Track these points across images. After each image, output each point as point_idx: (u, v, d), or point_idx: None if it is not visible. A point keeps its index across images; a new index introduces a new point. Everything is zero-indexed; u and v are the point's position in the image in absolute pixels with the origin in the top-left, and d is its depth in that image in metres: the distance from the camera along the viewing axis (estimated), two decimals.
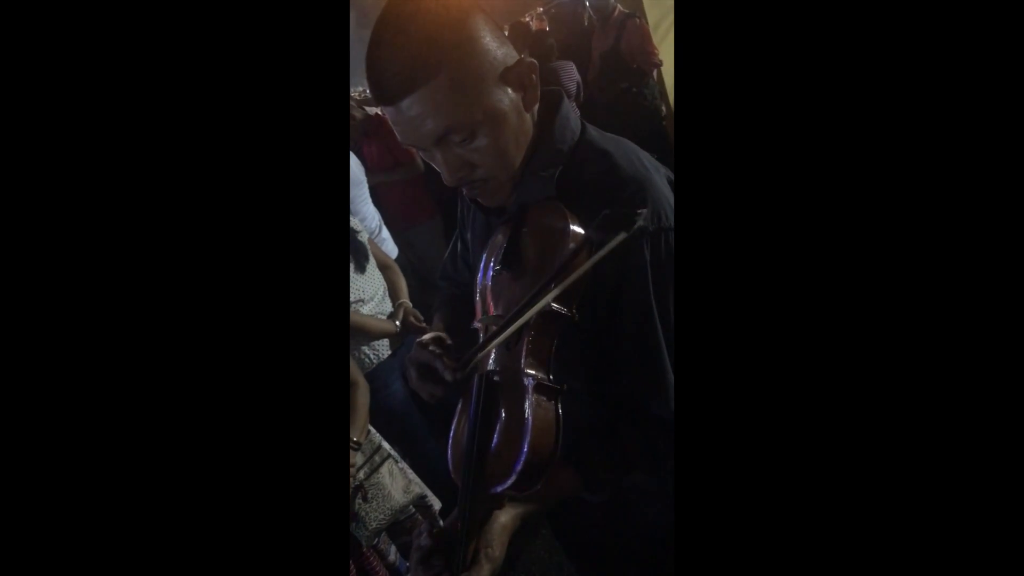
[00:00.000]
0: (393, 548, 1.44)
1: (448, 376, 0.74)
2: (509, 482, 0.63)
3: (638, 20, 3.39)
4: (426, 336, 0.85)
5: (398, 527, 1.45)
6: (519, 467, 0.63)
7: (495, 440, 0.67)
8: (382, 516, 1.36)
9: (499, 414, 0.68)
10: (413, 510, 1.44)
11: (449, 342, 0.84)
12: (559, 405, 0.66)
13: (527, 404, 0.65)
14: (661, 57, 3.40)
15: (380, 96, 0.65)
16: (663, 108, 3.63)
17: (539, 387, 0.66)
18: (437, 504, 1.55)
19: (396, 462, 1.48)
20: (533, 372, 0.67)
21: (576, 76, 3.37)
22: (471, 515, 0.65)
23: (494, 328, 0.70)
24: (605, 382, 0.75)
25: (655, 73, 3.51)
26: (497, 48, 0.65)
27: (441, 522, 1.47)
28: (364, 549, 1.36)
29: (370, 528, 1.35)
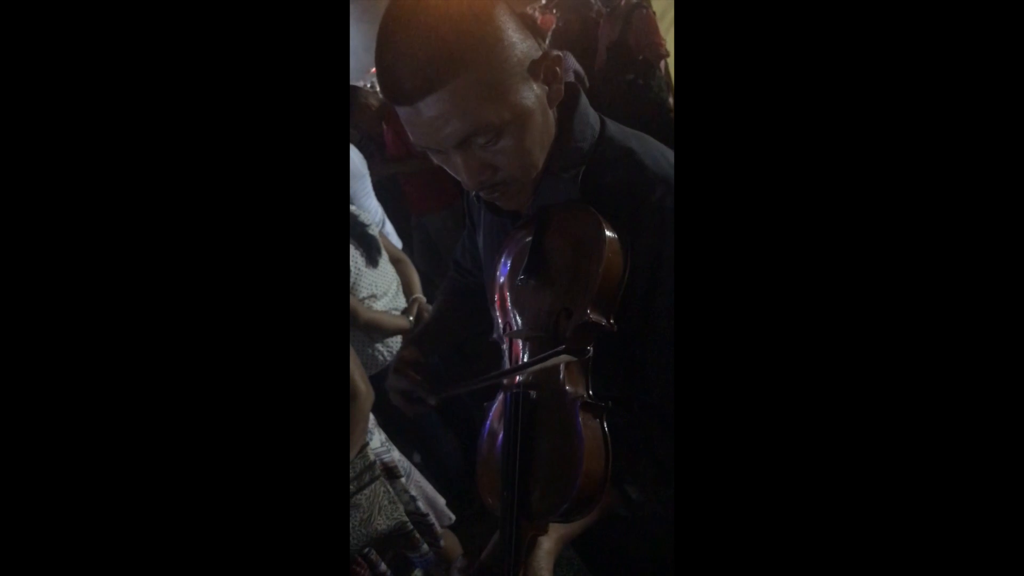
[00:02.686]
0: (383, 564, 1.39)
1: (432, 401, 0.75)
2: (562, 510, 0.60)
3: (645, 10, 3.35)
4: (398, 360, 0.86)
5: (392, 542, 1.40)
6: (574, 494, 0.59)
7: (539, 465, 0.63)
8: (353, 540, 1.28)
9: (540, 437, 0.64)
10: (411, 527, 1.39)
11: (422, 360, 0.85)
12: (605, 424, 0.63)
13: (576, 427, 0.61)
14: (668, 48, 3.37)
15: (395, 96, 0.60)
16: (670, 100, 3.60)
17: (585, 406, 0.62)
18: (447, 519, 1.50)
19: (394, 480, 1.41)
20: (574, 389, 0.64)
21: (574, 66, 3.33)
22: (516, 544, 0.62)
23: (519, 343, 0.68)
24: (639, 390, 0.73)
25: (662, 65, 3.47)
26: (522, 40, 0.61)
27: (442, 541, 1.45)
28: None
29: None
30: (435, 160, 0.68)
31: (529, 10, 3.89)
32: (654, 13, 3.41)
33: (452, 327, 1.02)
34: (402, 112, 0.62)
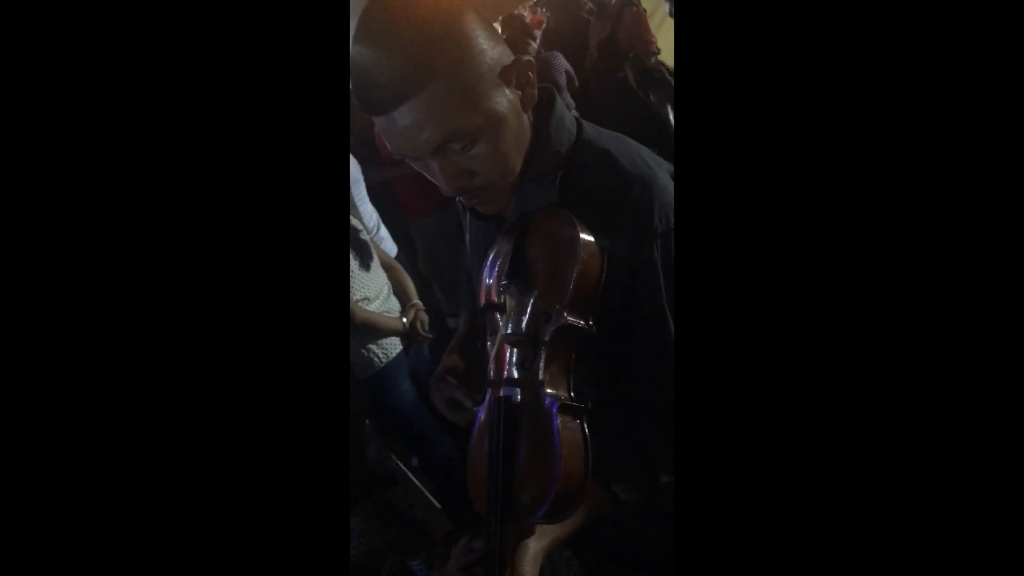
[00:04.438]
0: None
1: (469, 405, 0.76)
2: (541, 512, 0.61)
3: (635, 8, 3.35)
4: (440, 369, 0.85)
5: (392, 549, 1.41)
6: (551, 496, 0.60)
7: (521, 467, 0.64)
8: (352, 548, 1.28)
9: (522, 439, 0.65)
10: (410, 535, 1.41)
11: (463, 367, 0.84)
12: (585, 424, 0.63)
13: (553, 428, 0.62)
14: (659, 45, 3.37)
15: (369, 106, 0.61)
16: None
17: (563, 408, 0.63)
18: (446, 525, 1.51)
19: (391, 488, 1.40)
20: (554, 391, 0.65)
21: (565, 66, 3.32)
22: (501, 546, 0.63)
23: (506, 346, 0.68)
24: (624, 389, 0.73)
25: (652, 62, 3.47)
26: (493, 47, 0.63)
27: (440, 548, 1.46)
28: None
29: None
30: (415, 167, 0.68)
31: (518, 11, 3.89)
32: (644, 11, 3.41)
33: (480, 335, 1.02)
34: (378, 122, 0.63)
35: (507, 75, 0.64)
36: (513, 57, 0.65)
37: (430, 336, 1.80)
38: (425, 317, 1.81)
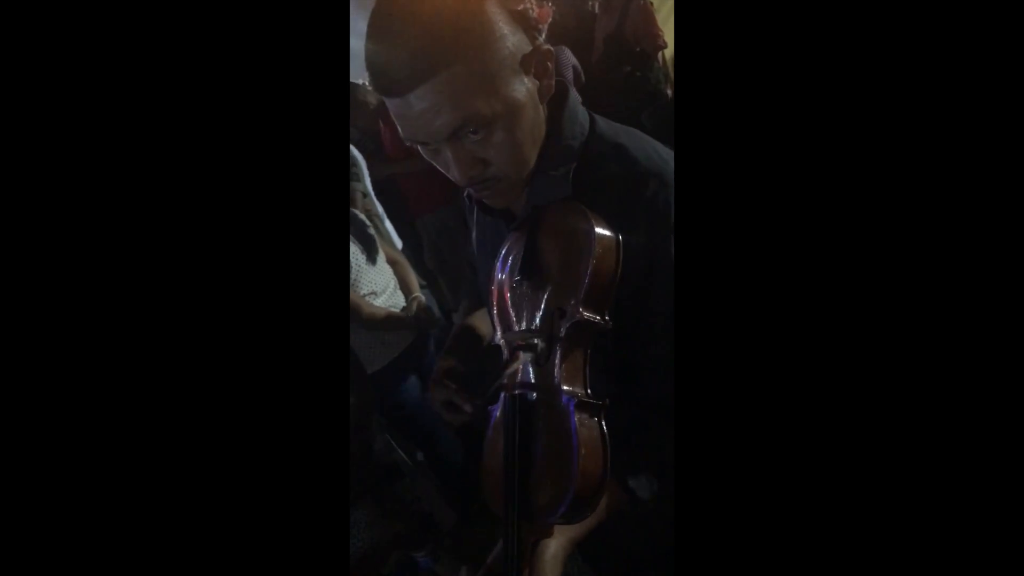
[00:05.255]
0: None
1: (468, 408, 0.74)
2: (560, 512, 0.60)
3: (642, 1, 3.33)
4: (436, 372, 0.84)
5: (397, 542, 1.41)
6: (571, 495, 0.59)
7: (538, 467, 0.63)
8: (358, 541, 1.27)
9: (538, 438, 0.64)
10: (415, 528, 1.40)
11: (460, 369, 0.83)
12: (603, 422, 0.62)
13: (571, 426, 0.61)
14: (665, 39, 3.35)
15: (385, 88, 0.60)
16: (668, 92, 3.57)
17: (581, 405, 0.62)
18: (451, 518, 1.51)
19: (397, 481, 1.40)
20: (571, 388, 0.63)
21: (572, 60, 3.30)
22: (519, 548, 0.61)
23: (520, 344, 0.67)
24: (639, 386, 0.72)
25: (659, 56, 3.45)
26: (512, 33, 0.61)
27: (445, 541, 1.45)
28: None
29: None
30: (425, 156, 0.67)
31: (521, 7, 3.86)
32: (651, 4, 3.39)
33: (483, 331, 1.01)
34: (392, 105, 0.61)
35: (527, 63, 0.63)
36: (532, 45, 0.64)
37: (438, 319, 1.80)
38: (428, 308, 1.81)
